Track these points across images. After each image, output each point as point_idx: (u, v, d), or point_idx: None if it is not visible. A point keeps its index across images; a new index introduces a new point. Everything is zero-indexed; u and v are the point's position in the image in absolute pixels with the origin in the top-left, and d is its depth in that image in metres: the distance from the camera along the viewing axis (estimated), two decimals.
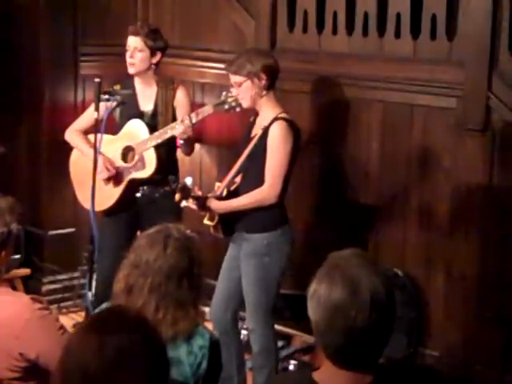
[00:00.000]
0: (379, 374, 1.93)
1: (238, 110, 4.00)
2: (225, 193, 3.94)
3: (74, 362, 1.70)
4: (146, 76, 4.41)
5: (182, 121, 4.12)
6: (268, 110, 3.93)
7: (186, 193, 3.77)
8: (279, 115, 3.89)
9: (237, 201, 3.92)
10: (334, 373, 1.92)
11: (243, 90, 3.90)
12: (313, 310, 1.90)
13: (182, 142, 4.20)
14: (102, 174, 4.29)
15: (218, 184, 4.04)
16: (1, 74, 5.42)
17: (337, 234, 4.68)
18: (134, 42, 4.34)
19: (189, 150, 4.39)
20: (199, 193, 3.87)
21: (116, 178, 4.39)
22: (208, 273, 2.75)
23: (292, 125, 3.89)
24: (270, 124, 3.87)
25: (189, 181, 3.76)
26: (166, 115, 4.37)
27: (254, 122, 4.04)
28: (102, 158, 4.20)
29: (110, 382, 1.67)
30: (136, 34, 4.34)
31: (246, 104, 3.93)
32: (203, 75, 5.37)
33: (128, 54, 4.35)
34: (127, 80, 4.44)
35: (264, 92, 3.91)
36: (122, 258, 2.56)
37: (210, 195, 3.90)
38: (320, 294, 1.88)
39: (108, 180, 4.35)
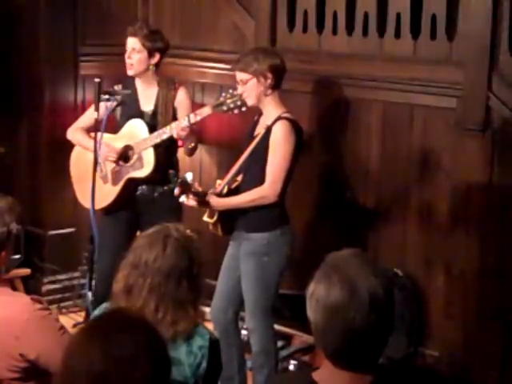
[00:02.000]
0: (379, 374, 1.93)
1: (236, 111, 4.00)
2: (225, 190, 3.94)
3: (79, 364, 1.70)
4: (146, 76, 4.42)
5: (180, 121, 4.13)
6: (272, 110, 3.93)
7: (186, 188, 3.76)
8: (283, 115, 3.89)
9: (237, 198, 3.92)
10: (334, 373, 1.92)
11: (248, 88, 3.91)
12: (311, 311, 1.90)
13: (185, 143, 4.22)
14: (111, 156, 4.30)
15: (218, 181, 4.04)
16: (1, 74, 5.41)
17: (337, 234, 4.68)
18: (132, 43, 4.34)
19: (191, 151, 4.39)
20: (199, 188, 3.87)
21: (115, 176, 4.39)
22: (208, 273, 2.75)
23: (295, 125, 3.89)
24: (273, 123, 3.87)
25: (189, 176, 3.76)
26: (167, 115, 4.38)
27: (257, 121, 4.04)
28: (104, 145, 4.20)
29: (116, 383, 1.68)
30: (134, 35, 4.34)
31: (250, 102, 3.94)
32: (203, 75, 5.37)
33: (126, 55, 4.36)
34: (128, 80, 4.44)
35: (269, 91, 3.91)
36: (122, 258, 2.56)
37: (210, 191, 3.90)
38: (318, 294, 1.88)
39: (116, 162, 4.34)
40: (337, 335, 1.86)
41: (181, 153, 4.54)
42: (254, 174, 3.92)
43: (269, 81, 3.89)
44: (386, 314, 1.88)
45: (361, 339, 1.85)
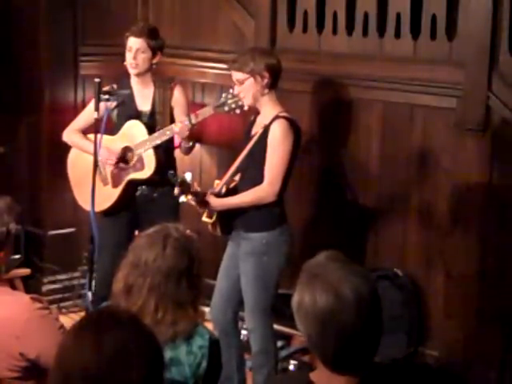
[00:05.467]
0: (373, 373, 1.93)
1: (238, 111, 3.99)
2: (224, 190, 3.94)
3: (72, 363, 1.70)
4: (144, 76, 4.41)
5: (182, 122, 4.12)
6: (269, 109, 3.93)
7: (186, 187, 3.76)
8: (280, 114, 3.89)
9: (236, 198, 3.92)
10: (330, 376, 1.92)
11: (245, 88, 3.90)
12: (302, 324, 1.91)
13: (183, 142, 4.21)
14: (110, 160, 4.29)
15: (217, 181, 4.04)
16: (1, 74, 5.42)
17: (336, 233, 4.69)
18: (136, 44, 4.32)
19: (188, 150, 4.39)
20: (198, 189, 3.87)
21: (115, 178, 4.39)
22: (207, 272, 2.75)
23: (293, 123, 3.89)
24: (271, 122, 3.87)
25: (188, 176, 3.76)
26: (164, 115, 4.37)
27: (254, 121, 4.04)
28: (103, 148, 4.19)
29: (109, 380, 1.68)
30: (139, 35, 4.32)
31: (247, 102, 3.93)
32: (203, 75, 5.37)
33: (131, 56, 4.32)
34: (124, 80, 4.44)
35: (266, 91, 3.91)
36: (122, 258, 2.56)
37: (208, 192, 3.90)
38: (305, 306, 1.88)
39: (116, 165, 4.33)
40: (331, 342, 1.86)
41: (178, 153, 4.54)
42: (252, 173, 3.91)
43: (266, 80, 3.89)
44: (373, 310, 1.89)
45: (355, 340, 1.86)
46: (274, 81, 3.93)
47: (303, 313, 1.89)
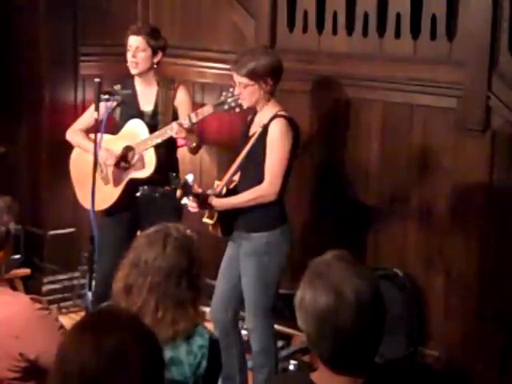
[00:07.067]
0: (373, 373, 1.93)
1: (237, 110, 3.99)
2: (224, 191, 3.94)
3: (71, 363, 1.70)
4: (147, 76, 4.41)
5: (181, 121, 4.12)
6: (267, 109, 3.92)
7: (187, 189, 3.76)
8: (279, 113, 3.88)
9: (236, 198, 3.91)
10: (330, 375, 1.92)
11: (248, 92, 3.87)
12: (302, 321, 1.91)
13: (188, 142, 4.21)
14: (109, 160, 4.30)
15: (217, 182, 4.04)
16: (1, 74, 5.42)
17: (337, 233, 4.68)
18: (136, 42, 4.33)
19: (195, 150, 4.37)
20: (199, 190, 3.87)
21: (116, 177, 4.39)
22: (208, 273, 2.76)
23: (291, 122, 3.88)
24: (270, 121, 3.86)
25: (190, 178, 3.76)
26: (167, 115, 4.37)
27: (252, 120, 4.04)
28: (103, 149, 4.21)
29: (109, 380, 1.68)
30: (138, 33, 4.34)
31: (246, 104, 3.93)
32: (203, 75, 5.37)
33: (130, 54, 4.34)
34: (127, 80, 4.44)
35: (268, 96, 3.90)
36: (122, 258, 2.56)
37: (209, 192, 3.90)
38: (306, 304, 1.88)
39: (116, 165, 4.34)
40: (330, 341, 1.86)
41: (180, 153, 4.54)
42: (252, 173, 3.91)
43: (269, 87, 3.87)
44: (374, 313, 1.88)
45: (353, 341, 1.86)
46: (277, 84, 3.91)
47: (304, 311, 1.89)
